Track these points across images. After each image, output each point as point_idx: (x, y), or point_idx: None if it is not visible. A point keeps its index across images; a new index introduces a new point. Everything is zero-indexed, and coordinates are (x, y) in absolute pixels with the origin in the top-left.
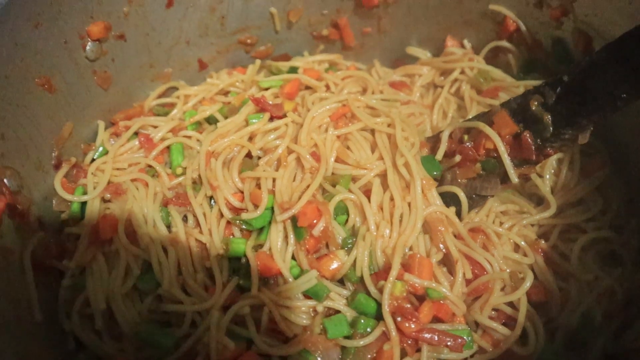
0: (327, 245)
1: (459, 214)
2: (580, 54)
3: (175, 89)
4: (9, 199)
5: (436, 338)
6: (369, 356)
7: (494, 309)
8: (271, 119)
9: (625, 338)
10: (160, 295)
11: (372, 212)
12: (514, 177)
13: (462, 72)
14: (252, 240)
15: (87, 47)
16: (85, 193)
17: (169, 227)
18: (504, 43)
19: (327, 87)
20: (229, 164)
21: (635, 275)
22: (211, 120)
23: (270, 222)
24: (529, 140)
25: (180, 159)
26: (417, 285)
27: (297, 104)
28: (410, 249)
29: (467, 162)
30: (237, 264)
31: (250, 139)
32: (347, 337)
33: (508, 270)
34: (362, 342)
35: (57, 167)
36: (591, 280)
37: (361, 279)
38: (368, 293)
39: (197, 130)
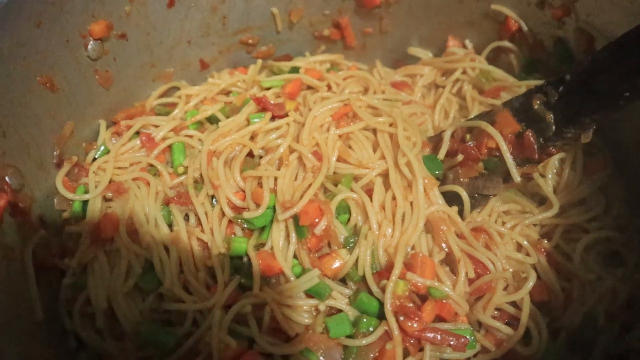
0: (329, 244)
1: (461, 213)
2: (582, 54)
3: (177, 88)
4: (11, 197)
5: (439, 337)
6: (372, 355)
7: (496, 309)
8: (273, 118)
9: (628, 338)
10: (162, 294)
11: (374, 211)
12: (517, 176)
13: (464, 72)
14: (253, 239)
15: (89, 46)
16: (86, 192)
17: (170, 226)
18: (506, 43)
19: (329, 87)
20: (230, 163)
21: (638, 275)
22: (212, 120)
23: (271, 221)
24: (532, 139)
25: (182, 158)
26: (419, 284)
27: (298, 103)
28: (413, 248)
29: (469, 161)
30: (238, 263)
31: (252, 138)
32: (349, 337)
33: (511, 269)
34: (364, 342)
35: (59, 165)
36: (594, 280)
37: (363, 278)
38: (370, 292)
39: (198, 130)
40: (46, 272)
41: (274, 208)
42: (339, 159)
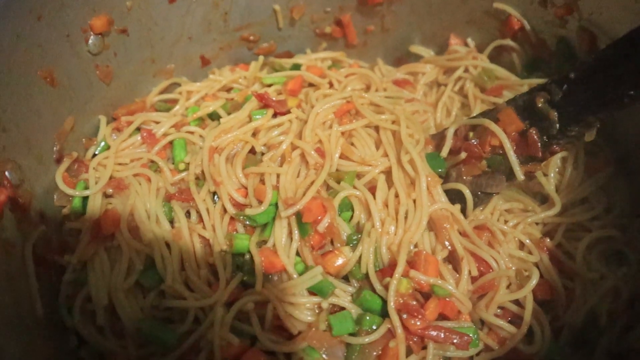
0: (332, 242)
1: (464, 211)
2: (584, 52)
3: (178, 85)
4: (11, 192)
5: (442, 335)
6: (375, 353)
7: (499, 307)
8: (275, 115)
9: (630, 337)
10: (163, 291)
11: (377, 209)
12: (520, 174)
13: (466, 71)
14: (256, 236)
15: (90, 41)
16: (86, 188)
17: (171, 222)
18: (508, 42)
19: (331, 84)
20: (232, 159)
21: None
22: (214, 117)
23: (274, 218)
24: (535, 137)
25: (183, 154)
26: (422, 282)
27: (300, 100)
28: (416, 246)
29: (472, 159)
30: (240, 260)
31: (254, 134)
32: (352, 334)
33: (513, 268)
34: (367, 340)
35: (59, 161)
36: (596, 279)
37: (366, 275)
38: (373, 290)
39: (199, 126)
40: (46, 269)
41: (276, 205)
42: (341, 156)
